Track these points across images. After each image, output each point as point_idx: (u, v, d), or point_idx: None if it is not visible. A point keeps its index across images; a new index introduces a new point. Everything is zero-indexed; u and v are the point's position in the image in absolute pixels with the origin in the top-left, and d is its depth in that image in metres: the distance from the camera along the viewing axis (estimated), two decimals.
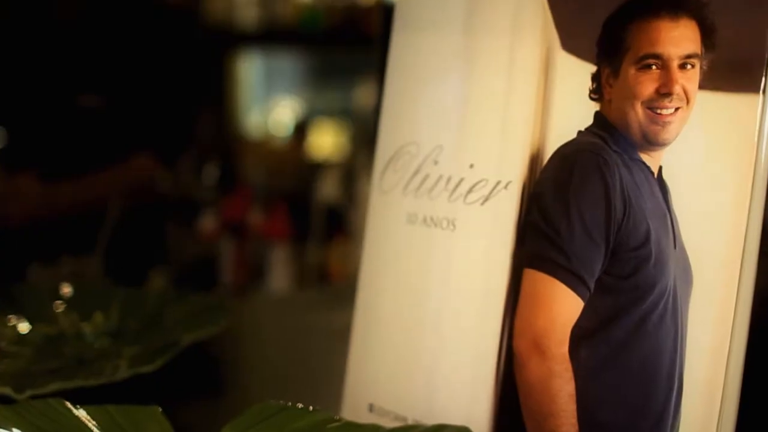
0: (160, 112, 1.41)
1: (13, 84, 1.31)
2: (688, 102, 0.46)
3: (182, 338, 0.70)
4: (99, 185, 1.28)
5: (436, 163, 0.53)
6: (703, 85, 0.45)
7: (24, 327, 0.79)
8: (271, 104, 3.21)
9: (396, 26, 0.57)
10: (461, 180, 0.52)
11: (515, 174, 0.49)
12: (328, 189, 2.36)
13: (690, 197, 0.45)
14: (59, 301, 0.83)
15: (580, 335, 0.47)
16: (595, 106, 0.48)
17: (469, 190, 0.51)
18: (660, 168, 0.47)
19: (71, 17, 1.35)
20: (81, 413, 0.50)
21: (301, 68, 3.30)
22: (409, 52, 0.55)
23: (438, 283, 0.52)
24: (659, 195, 0.48)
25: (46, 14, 1.34)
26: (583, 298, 0.47)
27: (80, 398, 0.60)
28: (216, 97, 2.87)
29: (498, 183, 0.50)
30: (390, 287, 0.54)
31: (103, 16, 1.38)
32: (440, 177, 0.52)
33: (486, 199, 0.50)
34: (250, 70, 3.21)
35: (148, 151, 1.37)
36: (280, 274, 2.08)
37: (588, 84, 0.48)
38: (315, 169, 2.60)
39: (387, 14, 0.59)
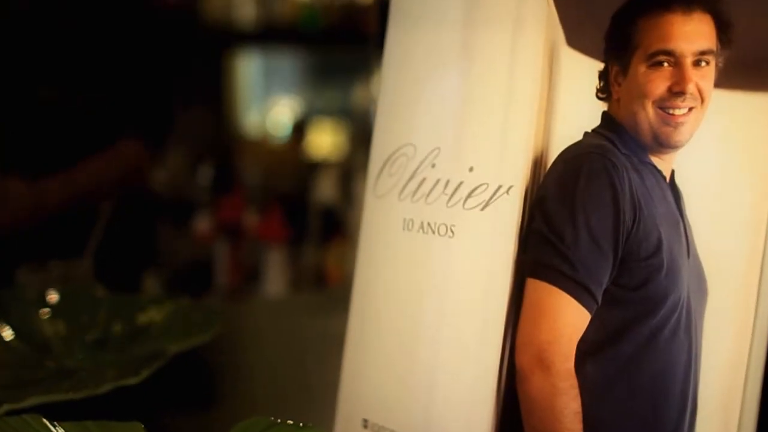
0: (153, 108, 1.38)
1: None
2: (702, 101, 0.43)
3: (169, 347, 0.67)
4: (87, 176, 1.26)
5: (433, 166, 0.50)
6: (719, 84, 0.43)
7: (8, 334, 0.77)
8: (269, 103, 3.19)
9: (391, 21, 0.54)
10: (460, 184, 0.49)
11: (517, 178, 0.47)
12: (325, 190, 2.34)
13: (705, 203, 0.43)
14: (45, 309, 0.80)
15: (587, 350, 0.45)
16: (602, 106, 0.46)
17: (469, 195, 0.48)
18: (672, 172, 0.45)
19: (69, 15, 1.33)
20: (59, 431, 0.47)
21: (300, 67, 3.28)
22: (405, 49, 0.52)
23: (436, 293, 0.49)
24: (671, 201, 0.45)
25: (42, 11, 1.32)
26: (589, 310, 0.44)
27: (62, 411, 0.58)
28: (213, 96, 2.84)
29: (499, 187, 0.47)
30: (385, 297, 0.52)
31: (101, 14, 1.36)
32: (438, 181, 0.50)
33: (486, 205, 0.48)
34: (248, 69, 3.18)
35: (135, 137, 1.34)
36: (275, 277, 2.05)
37: (595, 82, 0.46)
38: (313, 169, 2.57)
39: (384, 10, 0.56)
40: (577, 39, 0.46)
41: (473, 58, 0.49)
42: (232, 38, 2.90)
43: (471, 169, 0.49)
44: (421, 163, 0.51)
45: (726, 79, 0.42)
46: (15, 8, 1.30)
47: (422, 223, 0.50)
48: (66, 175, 1.25)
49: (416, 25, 0.52)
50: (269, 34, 2.88)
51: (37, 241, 1.17)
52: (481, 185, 0.48)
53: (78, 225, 1.06)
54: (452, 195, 0.49)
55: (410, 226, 0.51)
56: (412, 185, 0.51)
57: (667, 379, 0.44)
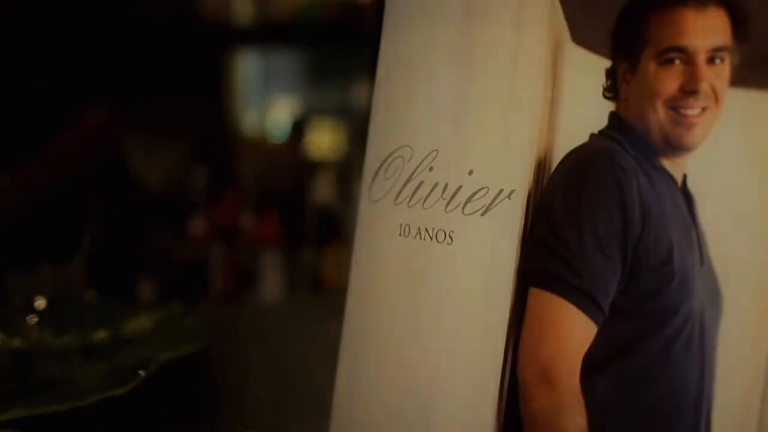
0: (118, 73, 1.38)
1: None
2: (716, 101, 0.41)
3: (159, 356, 0.65)
4: (60, 150, 1.25)
5: (431, 169, 0.48)
6: (734, 82, 0.40)
7: None
8: (267, 103, 3.17)
9: (387, 18, 0.52)
10: (459, 188, 0.46)
11: (520, 181, 0.44)
12: (323, 191, 2.31)
13: (719, 209, 0.40)
14: (32, 315, 0.78)
15: (594, 364, 0.42)
16: (610, 106, 0.44)
17: (468, 200, 0.46)
18: (684, 176, 0.43)
19: (68, 16, 1.32)
20: None
21: (298, 66, 3.26)
22: (401, 47, 0.50)
23: (433, 303, 0.47)
24: (683, 207, 0.43)
25: (40, 8, 1.31)
26: (596, 322, 0.42)
27: (47, 423, 0.56)
28: (209, 94, 2.82)
29: (500, 191, 0.45)
30: (380, 308, 0.49)
31: (98, 11, 1.35)
32: (436, 185, 0.47)
33: (487, 210, 0.45)
34: (246, 67, 3.16)
35: (101, 103, 1.33)
36: (272, 281, 2.03)
37: (602, 81, 0.44)
38: (311, 169, 2.55)
39: (381, 7, 0.53)
40: (582, 35, 0.44)
41: (473, 55, 0.46)
42: (229, 36, 2.88)
43: (470, 173, 0.46)
44: (418, 165, 0.48)
45: (741, 77, 0.40)
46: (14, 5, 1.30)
47: (419, 228, 0.48)
48: (40, 156, 1.24)
49: (413, 21, 0.50)
50: (267, 33, 2.85)
51: (27, 244, 1.15)
52: (481, 189, 0.46)
53: (69, 227, 1.04)
54: (451, 199, 0.47)
55: (407, 232, 0.48)
56: (409, 189, 0.48)
57: (679, 395, 0.41)
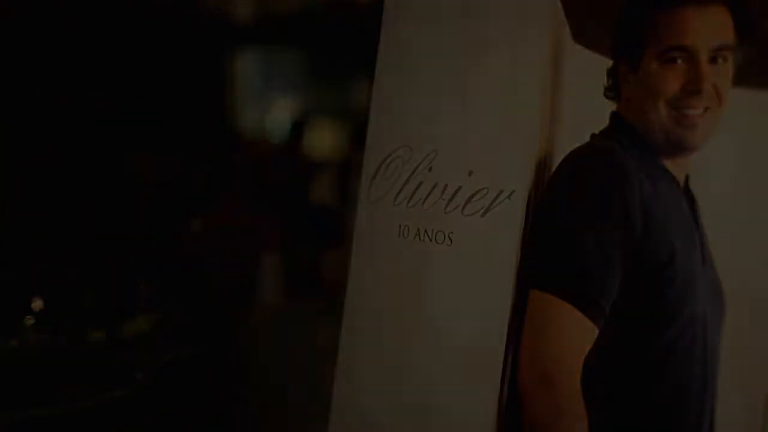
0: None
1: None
2: (719, 101, 0.41)
3: (158, 357, 0.65)
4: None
5: (430, 169, 0.47)
6: (738, 82, 0.40)
7: None
8: (267, 103, 3.16)
9: (387, 17, 0.51)
10: (458, 189, 0.46)
11: (519, 182, 0.44)
12: (324, 191, 2.30)
13: (722, 210, 0.40)
14: (29, 316, 0.78)
15: (595, 366, 0.42)
16: (611, 106, 0.43)
17: (468, 200, 0.45)
18: (687, 177, 0.42)
19: (69, 16, 1.32)
20: None
21: (299, 66, 3.25)
22: (400, 47, 0.49)
23: (433, 305, 0.46)
24: (685, 207, 0.42)
25: (47, 14, 1.31)
26: (597, 324, 0.42)
27: (45, 422, 0.56)
28: (209, 94, 2.81)
29: (500, 192, 0.44)
30: (379, 310, 0.48)
31: (98, 12, 1.35)
32: (435, 185, 0.47)
33: (487, 211, 0.45)
34: (246, 67, 3.15)
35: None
36: (272, 281, 2.02)
37: (603, 80, 0.43)
38: (311, 169, 2.54)
39: (381, 6, 0.53)
40: (584, 34, 0.43)
41: (473, 56, 0.46)
42: (230, 35, 2.87)
43: (470, 173, 0.46)
44: (417, 166, 0.48)
45: (745, 77, 0.40)
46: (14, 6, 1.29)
47: (419, 229, 0.47)
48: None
49: (412, 22, 0.49)
50: (267, 32, 2.85)
51: (26, 244, 1.15)
52: (480, 190, 0.45)
53: (68, 227, 1.03)
54: (450, 200, 0.46)
55: (406, 233, 0.48)
56: (408, 190, 0.48)
57: (681, 397, 0.41)
